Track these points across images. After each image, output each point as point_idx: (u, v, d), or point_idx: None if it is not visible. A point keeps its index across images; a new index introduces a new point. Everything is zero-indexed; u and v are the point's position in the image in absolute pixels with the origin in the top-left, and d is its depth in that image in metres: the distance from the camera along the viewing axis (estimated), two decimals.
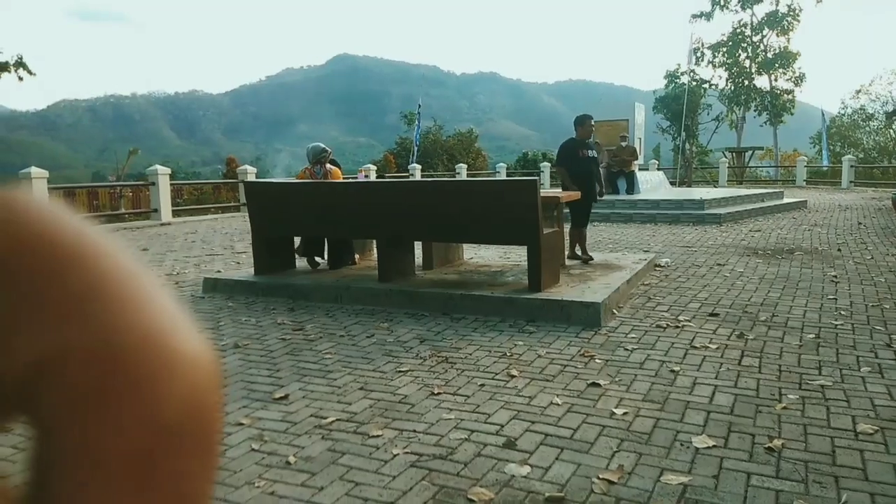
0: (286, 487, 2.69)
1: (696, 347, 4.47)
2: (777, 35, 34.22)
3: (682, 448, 3.00)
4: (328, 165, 6.97)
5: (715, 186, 23.56)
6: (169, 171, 14.45)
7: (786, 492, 2.60)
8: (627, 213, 12.62)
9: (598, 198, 7.38)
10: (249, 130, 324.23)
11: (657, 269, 7.41)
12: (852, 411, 3.37)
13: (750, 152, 31.51)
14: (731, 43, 34.62)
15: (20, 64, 15.58)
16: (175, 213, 14.77)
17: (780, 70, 33.78)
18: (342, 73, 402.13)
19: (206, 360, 0.14)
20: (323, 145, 7.08)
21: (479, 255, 7.61)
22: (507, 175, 29.18)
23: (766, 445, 2.99)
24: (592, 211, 7.47)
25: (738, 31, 34.76)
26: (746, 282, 6.62)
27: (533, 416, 3.36)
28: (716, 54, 34.78)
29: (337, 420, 3.33)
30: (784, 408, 3.42)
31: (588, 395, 3.65)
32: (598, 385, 3.78)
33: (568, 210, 6.94)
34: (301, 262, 7.02)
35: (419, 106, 26.24)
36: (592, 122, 7.33)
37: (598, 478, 2.72)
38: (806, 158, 29.45)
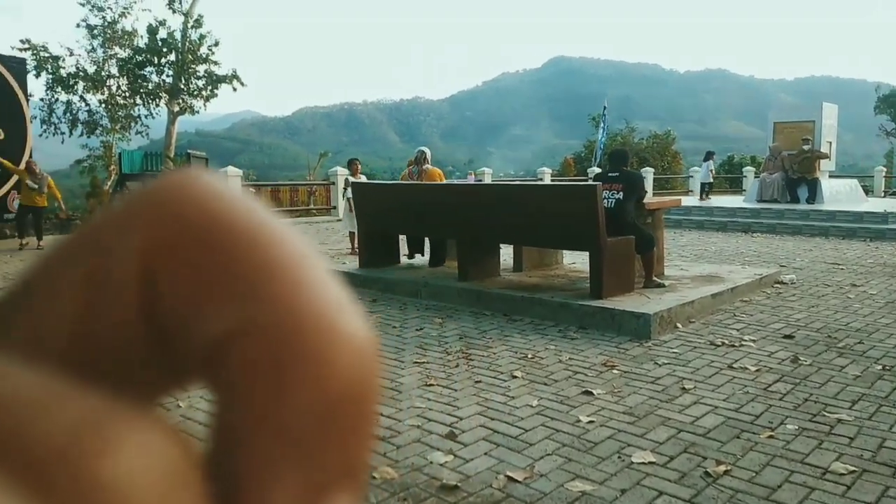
0: None
1: (732, 368, 4.20)
2: None
3: (616, 461, 2.96)
4: (425, 166, 7.49)
5: None
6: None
7: None
8: (796, 224, 11.48)
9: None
10: (464, 134, 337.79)
11: (776, 285, 6.82)
12: (846, 450, 3.04)
13: None
14: None
15: (234, 77, 18.23)
16: None
17: None
18: (558, 76, 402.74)
19: (368, 339, 0.14)
20: (422, 149, 7.62)
21: (582, 261, 7.56)
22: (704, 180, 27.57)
23: (708, 470, 2.85)
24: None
25: None
26: (866, 306, 5.89)
27: (497, 414, 3.48)
28: None
29: None
30: (770, 437, 3.18)
31: (572, 401, 3.67)
32: (591, 394, 3.77)
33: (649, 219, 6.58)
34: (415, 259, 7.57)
35: (604, 107, 25.72)
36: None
37: (505, 475, 2.82)
38: None
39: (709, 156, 18.08)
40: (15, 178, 11.50)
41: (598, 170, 22.99)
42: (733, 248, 10.14)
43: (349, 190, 9.03)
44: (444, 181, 7.81)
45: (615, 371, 4.17)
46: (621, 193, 5.83)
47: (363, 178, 9.37)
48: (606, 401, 3.67)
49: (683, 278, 6.47)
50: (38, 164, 11.08)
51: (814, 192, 13.24)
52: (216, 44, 18.20)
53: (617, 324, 5.01)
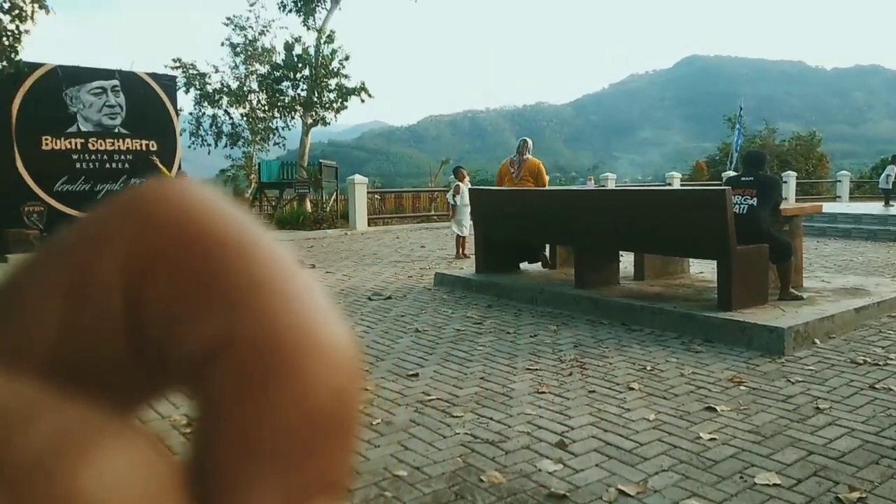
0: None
1: (874, 389, 3.85)
2: None
3: (737, 480, 2.80)
4: (526, 156, 7.55)
5: None
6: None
7: None
8: None
9: None
10: (589, 138, 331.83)
11: None
12: None
13: None
14: None
15: (362, 89, 19.03)
16: None
17: None
18: (690, 76, 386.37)
19: (350, 351, 0.16)
20: (525, 138, 7.90)
21: (710, 271, 7.20)
22: (851, 187, 25.48)
23: (839, 496, 2.63)
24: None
25: None
26: None
27: (610, 426, 3.39)
28: None
29: (436, 399, 3.79)
30: None
31: (693, 417, 3.50)
32: (714, 410, 3.58)
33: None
34: (531, 265, 7.53)
35: (740, 108, 24.38)
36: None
37: (616, 488, 2.74)
38: None
39: (894, 159, 16.16)
40: None
41: (733, 173, 21.82)
42: (883, 259, 9.29)
43: (460, 192, 9.30)
44: (545, 175, 7.74)
45: (742, 387, 3.95)
46: (755, 199, 5.50)
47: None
48: (731, 418, 3.48)
49: (824, 291, 6.01)
50: (188, 175, 12.10)
51: None
52: (346, 58, 19.13)
53: (747, 337, 4.73)
